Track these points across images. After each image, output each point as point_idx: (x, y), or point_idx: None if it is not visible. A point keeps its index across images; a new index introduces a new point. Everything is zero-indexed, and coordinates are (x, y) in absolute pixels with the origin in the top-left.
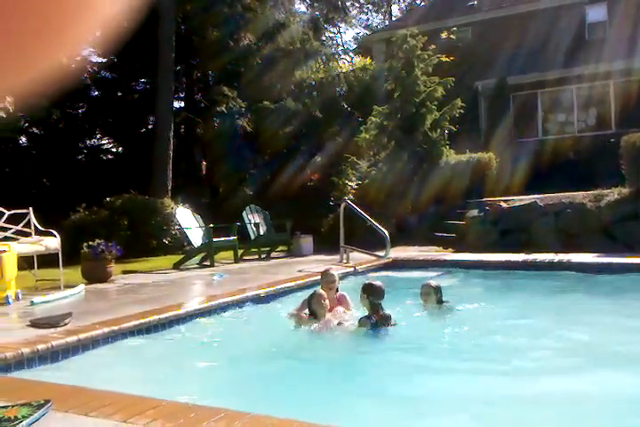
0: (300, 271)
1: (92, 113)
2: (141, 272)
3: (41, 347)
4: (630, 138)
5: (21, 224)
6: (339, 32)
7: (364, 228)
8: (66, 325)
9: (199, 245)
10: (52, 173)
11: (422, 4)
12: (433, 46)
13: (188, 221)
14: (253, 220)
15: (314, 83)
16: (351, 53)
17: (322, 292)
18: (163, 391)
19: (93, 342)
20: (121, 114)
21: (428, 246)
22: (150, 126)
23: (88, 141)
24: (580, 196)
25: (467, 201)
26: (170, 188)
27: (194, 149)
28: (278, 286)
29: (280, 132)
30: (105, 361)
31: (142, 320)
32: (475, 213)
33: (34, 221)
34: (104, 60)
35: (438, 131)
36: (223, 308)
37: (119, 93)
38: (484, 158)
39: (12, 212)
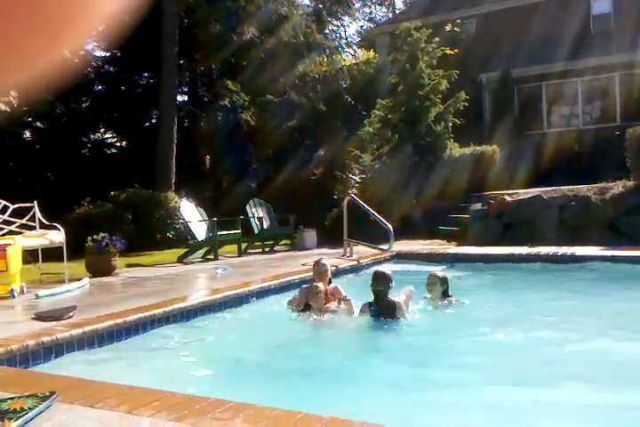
0: (303, 265)
1: (95, 107)
2: (145, 266)
3: (46, 339)
4: (635, 130)
5: (26, 218)
6: (342, 25)
7: (368, 221)
8: (70, 318)
9: (203, 238)
10: (57, 167)
11: None
12: (437, 39)
13: (192, 215)
14: (257, 213)
15: (317, 76)
16: (355, 47)
17: (318, 284)
18: (167, 383)
19: (98, 335)
20: (124, 108)
21: (431, 240)
22: (154, 120)
23: (92, 136)
24: (584, 189)
25: (470, 194)
26: (173, 181)
27: (197, 142)
28: (282, 279)
29: (283, 126)
30: (110, 353)
31: (146, 313)
32: (478, 206)
33: (38, 214)
34: (107, 55)
35: (442, 124)
36: (227, 301)
37: (122, 88)
38: (488, 151)
39: (17, 206)
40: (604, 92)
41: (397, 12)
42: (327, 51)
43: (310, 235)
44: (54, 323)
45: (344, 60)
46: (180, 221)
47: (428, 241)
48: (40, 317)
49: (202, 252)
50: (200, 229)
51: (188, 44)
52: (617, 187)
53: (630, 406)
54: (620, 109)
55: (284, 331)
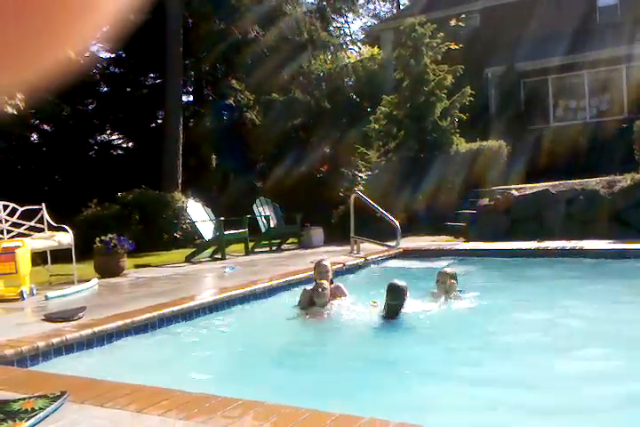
0: (311, 263)
1: (101, 109)
2: (153, 266)
3: (56, 340)
4: None
5: (34, 220)
6: (346, 22)
7: (374, 218)
8: (80, 318)
9: (210, 238)
10: (64, 169)
11: None
12: (441, 34)
13: (199, 215)
14: (264, 212)
15: (322, 74)
16: (359, 43)
17: (323, 281)
18: (176, 382)
19: (107, 336)
20: (130, 109)
21: (438, 236)
22: (159, 121)
23: (98, 137)
24: (592, 182)
25: (477, 189)
26: (180, 181)
27: (203, 142)
28: (290, 277)
29: (288, 124)
30: (119, 353)
31: (155, 313)
32: (486, 201)
33: (46, 216)
34: (112, 56)
35: (448, 119)
36: (236, 299)
37: (128, 89)
38: (495, 146)
39: (25, 208)
40: (610, 84)
41: (401, 7)
42: (331, 48)
43: (317, 233)
44: (64, 324)
45: (349, 57)
46: (187, 220)
47: (434, 237)
48: (50, 318)
49: (209, 251)
50: (207, 228)
51: (192, 44)
52: (625, 180)
53: None
54: (628, 102)
55: (291, 329)
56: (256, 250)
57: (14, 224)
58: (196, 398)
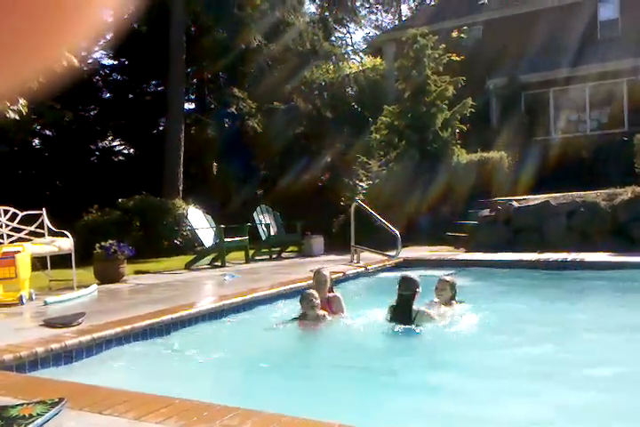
0: (311, 271)
1: (103, 115)
2: (153, 272)
3: (55, 346)
4: None
5: (35, 225)
6: (348, 32)
7: (375, 228)
8: (79, 324)
9: (210, 245)
10: (65, 174)
11: (432, 3)
12: (443, 45)
13: (200, 222)
14: (264, 220)
15: (323, 83)
16: (361, 54)
17: (312, 291)
18: (175, 390)
19: (107, 342)
20: (132, 116)
21: (439, 246)
22: (161, 128)
23: (100, 143)
24: (593, 195)
25: (478, 200)
26: (181, 188)
27: (204, 149)
28: (290, 286)
29: (290, 133)
30: (118, 360)
31: (155, 320)
32: (486, 212)
33: (47, 222)
34: (115, 63)
35: (449, 130)
36: (235, 307)
37: (131, 95)
38: (496, 158)
39: (26, 213)
40: (611, 97)
41: (404, 18)
42: (334, 58)
43: (317, 241)
44: (63, 330)
45: (350, 67)
46: (188, 227)
47: (435, 247)
48: (49, 323)
49: (209, 258)
50: (207, 235)
51: (195, 52)
52: (626, 193)
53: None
54: (628, 115)
55: (287, 338)
56: (256, 258)
57: (15, 229)
58: (196, 406)
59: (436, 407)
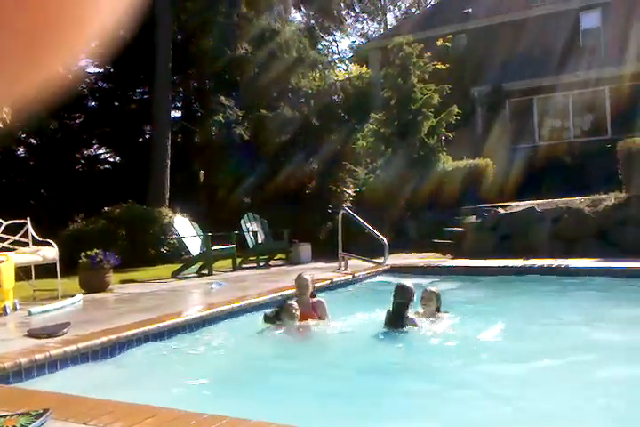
0: None
1: (89, 123)
2: (139, 281)
3: (39, 357)
4: (626, 143)
5: (19, 234)
6: (334, 41)
7: (362, 235)
8: (64, 334)
9: (197, 253)
10: (50, 183)
11: (417, 12)
12: (428, 54)
13: (186, 230)
14: (252, 228)
15: (310, 91)
16: (347, 62)
17: (292, 302)
18: (162, 400)
19: (92, 352)
20: (118, 124)
21: (426, 253)
22: (147, 136)
23: (85, 151)
24: (577, 201)
25: (464, 207)
26: (167, 197)
27: (191, 157)
28: (279, 293)
29: (277, 140)
30: (103, 370)
31: (141, 329)
32: (473, 218)
33: (32, 231)
34: (101, 71)
35: (435, 137)
36: (222, 316)
37: (116, 103)
38: (481, 164)
39: (10, 222)
40: (594, 105)
41: (389, 27)
42: (320, 66)
43: (305, 249)
44: (48, 340)
45: (337, 75)
46: (175, 236)
47: (422, 254)
48: (33, 334)
49: (196, 267)
50: (194, 244)
51: (181, 60)
52: (609, 199)
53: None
54: (611, 122)
55: (273, 346)
56: (243, 266)
57: None
58: (183, 415)
59: (423, 414)
